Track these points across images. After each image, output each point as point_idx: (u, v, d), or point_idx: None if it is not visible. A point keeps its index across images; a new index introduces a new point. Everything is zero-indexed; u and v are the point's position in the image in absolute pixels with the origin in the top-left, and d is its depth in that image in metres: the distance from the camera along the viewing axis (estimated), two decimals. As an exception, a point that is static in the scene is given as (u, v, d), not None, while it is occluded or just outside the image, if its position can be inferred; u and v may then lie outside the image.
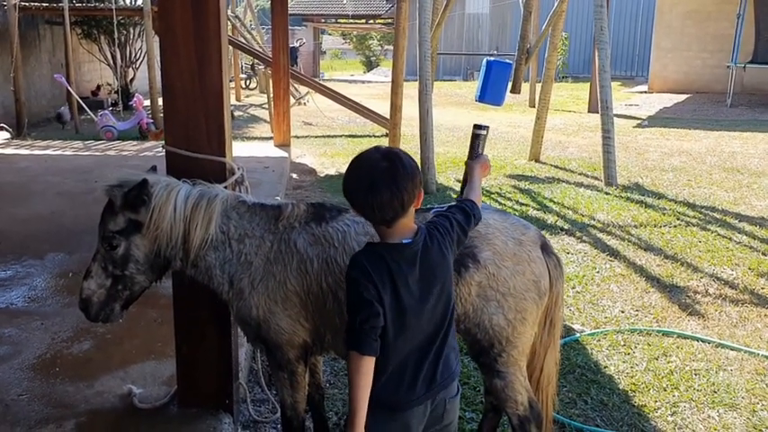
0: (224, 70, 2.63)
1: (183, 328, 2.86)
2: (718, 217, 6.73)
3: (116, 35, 13.75)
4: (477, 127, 2.44)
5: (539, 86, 11.52)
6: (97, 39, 15.47)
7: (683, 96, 18.04)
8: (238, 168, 2.75)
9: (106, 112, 12.02)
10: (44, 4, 13.02)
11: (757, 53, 16.08)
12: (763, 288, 4.90)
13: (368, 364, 1.85)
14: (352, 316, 1.88)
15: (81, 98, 12.66)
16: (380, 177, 1.87)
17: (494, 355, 2.45)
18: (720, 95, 16.79)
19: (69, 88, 12.22)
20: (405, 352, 1.94)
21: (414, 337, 1.95)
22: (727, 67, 16.00)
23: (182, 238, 2.33)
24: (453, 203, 2.22)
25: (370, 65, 38.41)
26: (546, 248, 2.54)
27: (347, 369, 1.91)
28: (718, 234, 6.13)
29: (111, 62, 15.75)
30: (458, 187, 7.90)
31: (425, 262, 1.95)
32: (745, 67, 15.98)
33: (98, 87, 15.54)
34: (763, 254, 5.62)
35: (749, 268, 5.27)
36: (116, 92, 15.13)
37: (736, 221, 6.56)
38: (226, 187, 2.59)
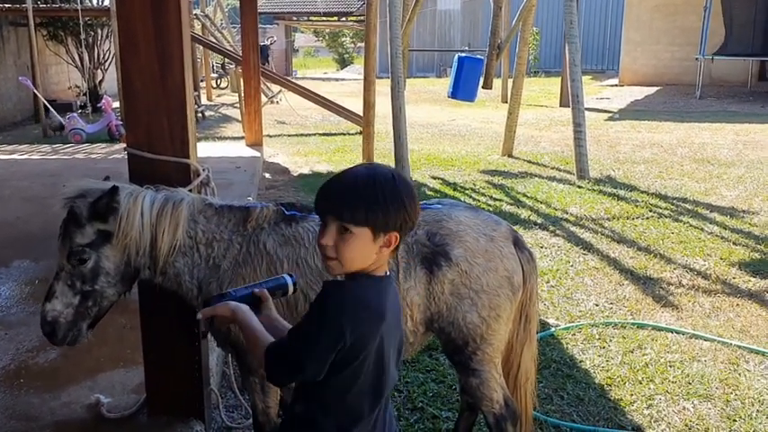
0: (186, 69, 2.55)
1: (151, 334, 2.79)
2: (689, 208, 6.79)
3: (83, 36, 13.47)
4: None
5: (510, 82, 11.54)
6: (64, 40, 15.17)
7: (654, 89, 18.26)
8: (204, 169, 2.68)
9: (74, 114, 11.76)
10: (7, 5, 12.73)
11: (727, 45, 16.32)
12: (734, 278, 4.94)
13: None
14: (296, 343, 1.55)
15: (48, 101, 12.39)
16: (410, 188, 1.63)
17: (468, 354, 2.42)
18: (689, 87, 17.02)
19: (36, 91, 11.97)
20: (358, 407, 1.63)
21: (379, 391, 1.64)
22: (696, 59, 16.21)
23: (149, 246, 2.26)
24: None
25: (343, 62, 38.25)
26: (518, 243, 2.51)
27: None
28: (690, 225, 6.19)
29: (79, 64, 15.46)
30: (432, 184, 7.93)
31: (395, 296, 1.69)
32: (713, 58, 16.21)
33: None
34: (734, 243, 5.67)
35: (721, 258, 5.31)
36: (84, 94, 14.85)
37: (708, 212, 6.62)
38: (191, 190, 2.52)
